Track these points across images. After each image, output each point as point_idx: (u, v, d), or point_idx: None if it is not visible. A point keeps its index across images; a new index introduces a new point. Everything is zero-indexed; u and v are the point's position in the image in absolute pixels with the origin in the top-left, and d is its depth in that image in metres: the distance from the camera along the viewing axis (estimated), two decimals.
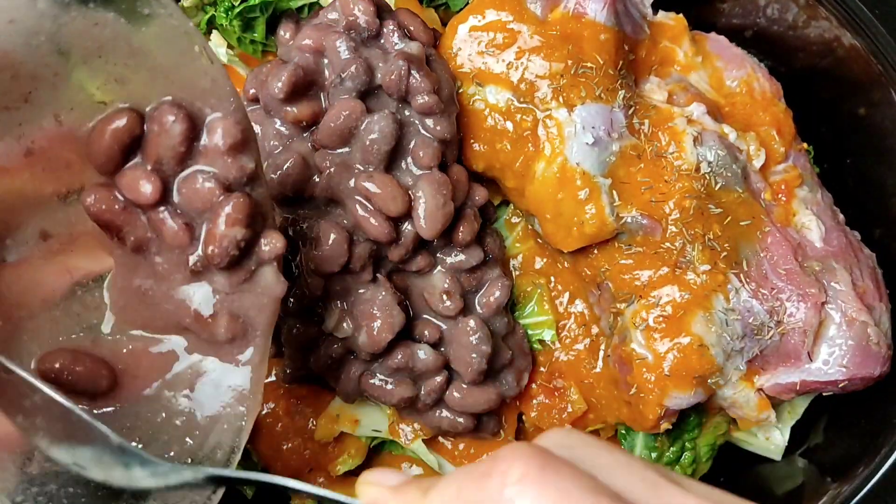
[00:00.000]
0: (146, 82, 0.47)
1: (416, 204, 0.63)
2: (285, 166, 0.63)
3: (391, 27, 0.66)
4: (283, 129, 0.66)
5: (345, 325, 0.65)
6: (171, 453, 0.50)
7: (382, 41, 0.66)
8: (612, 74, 0.69)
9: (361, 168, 0.64)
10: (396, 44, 0.65)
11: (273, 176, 0.63)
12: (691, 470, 0.76)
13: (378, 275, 0.65)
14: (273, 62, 0.68)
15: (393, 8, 0.70)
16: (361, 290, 0.65)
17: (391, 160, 0.64)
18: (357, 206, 0.63)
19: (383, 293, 0.64)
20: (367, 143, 0.62)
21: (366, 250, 0.64)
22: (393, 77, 0.63)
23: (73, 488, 0.46)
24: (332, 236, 0.63)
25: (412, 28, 0.69)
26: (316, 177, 0.65)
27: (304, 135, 0.66)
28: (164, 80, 0.47)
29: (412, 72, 0.63)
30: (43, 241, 0.49)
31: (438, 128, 0.64)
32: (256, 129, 0.67)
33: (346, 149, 0.64)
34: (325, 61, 0.66)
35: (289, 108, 0.64)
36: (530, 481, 0.34)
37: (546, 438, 0.40)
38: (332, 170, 0.64)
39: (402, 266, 0.67)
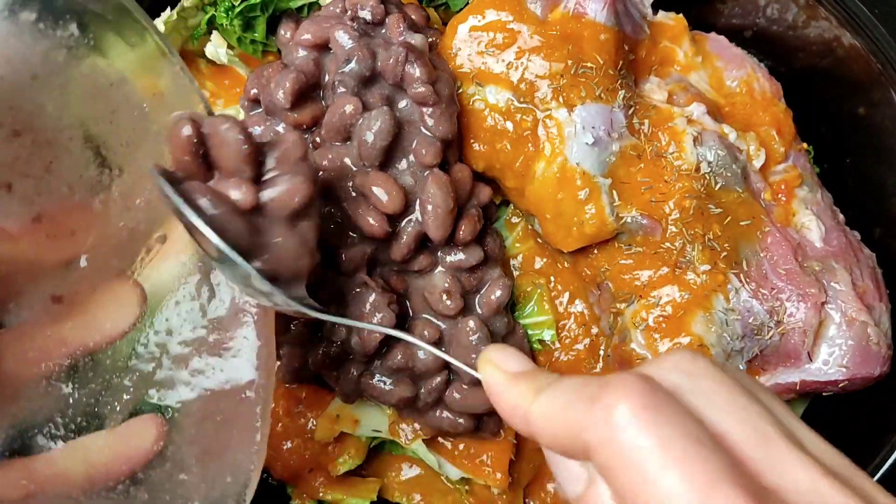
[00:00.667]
0: (154, 146, 0.48)
1: (424, 206, 0.63)
2: None
3: (396, 18, 0.66)
4: (282, 131, 0.66)
5: (341, 328, 0.65)
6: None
7: (386, 32, 0.67)
8: (612, 74, 0.69)
9: (358, 167, 0.64)
10: (402, 34, 0.66)
11: None
12: None
13: (367, 276, 0.65)
14: (274, 65, 0.68)
15: None
16: (355, 292, 0.65)
17: (389, 158, 0.64)
18: (352, 203, 0.63)
19: (373, 294, 0.64)
20: (364, 139, 0.62)
21: (359, 253, 0.64)
22: (390, 62, 0.63)
23: None
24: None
25: (417, 20, 0.69)
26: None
27: (305, 136, 0.67)
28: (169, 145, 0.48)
29: (410, 59, 0.63)
30: (54, 305, 0.48)
31: (440, 127, 0.64)
32: (257, 130, 0.67)
33: (346, 146, 0.64)
34: (327, 58, 0.67)
35: (290, 113, 0.65)
36: (635, 419, 0.34)
37: (667, 361, 0.39)
38: (330, 173, 0.64)
39: (404, 266, 0.67)
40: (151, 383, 0.50)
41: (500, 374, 0.42)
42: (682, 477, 0.32)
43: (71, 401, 0.48)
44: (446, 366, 0.68)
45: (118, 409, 0.49)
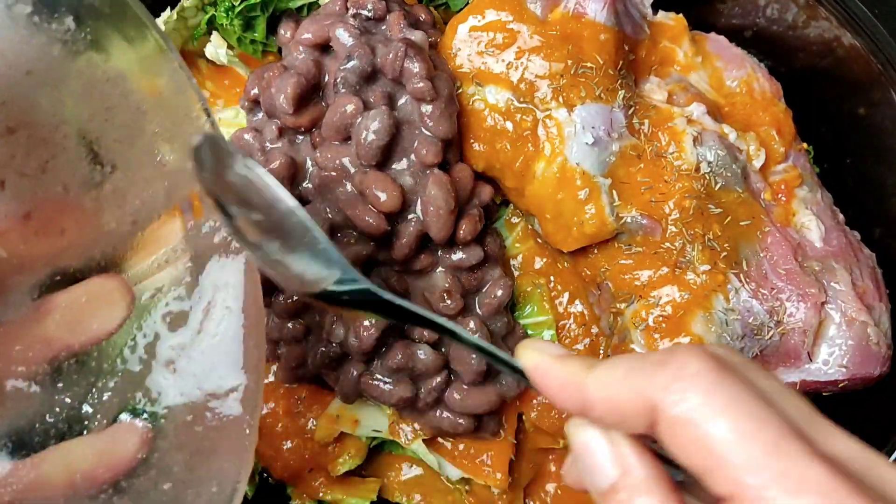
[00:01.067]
0: (149, 144, 0.47)
1: (426, 206, 0.64)
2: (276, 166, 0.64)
3: (397, 15, 0.66)
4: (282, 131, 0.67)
5: (338, 329, 0.65)
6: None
7: (386, 29, 0.67)
8: (612, 74, 0.69)
9: (356, 166, 0.64)
10: (402, 30, 0.66)
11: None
12: None
13: (363, 275, 0.65)
14: (275, 66, 0.68)
15: None
16: None
17: (388, 157, 0.64)
18: (350, 203, 0.63)
19: None
20: (362, 138, 0.62)
21: (353, 253, 0.64)
22: (390, 57, 0.63)
23: None
24: None
25: (425, 19, 0.69)
26: (312, 179, 0.65)
27: (304, 138, 0.67)
28: (164, 143, 0.47)
29: (410, 55, 0.63)
30: (39, 303, 0.46)
31: (440, 127, 0.64)
32: (249, 138, 0.67)
33: (345, 145, 0.64)
34: (327, 58, 0.67)
35: (291, 118, 0.65)
36: (705, 380, 0.35)
37: (713, 349, 0.40)
38: (329, 173, 0.64)
39: (404, 266, 0.67)
40: (138, 387, 0.48)
41: (545, 356, 0.42)
42: (753, 432, 0.34)
43: (54, 404, 0.46)
44: (446, 365, 0.67)
45: (103, 413, 0.48)
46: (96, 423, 0.47)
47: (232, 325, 0.49)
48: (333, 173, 0.64)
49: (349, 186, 0.64)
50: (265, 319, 0.51)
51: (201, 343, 0.49)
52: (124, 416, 0.48)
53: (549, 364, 0.42)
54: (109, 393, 0.48)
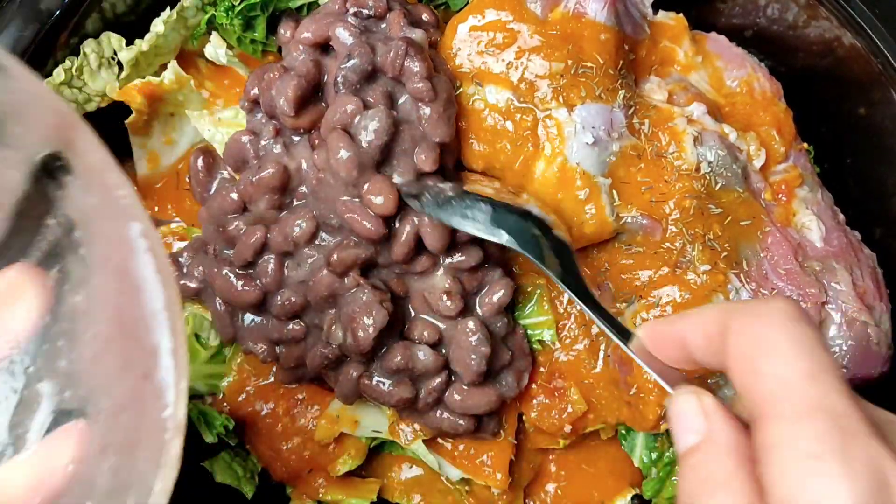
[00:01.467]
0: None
1: (421, 218, 0.64)
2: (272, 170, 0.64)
3: (398, 13, 0.66)
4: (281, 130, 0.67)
5: (338, 331, 0.65)
6: None
7: (386, 27, 0.67)
8: (612, 74, 0.69)
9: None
10: (402, 29, 0.66)
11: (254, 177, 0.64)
12: None
13: (360, 277, 0.65)
14: (275, 67, 0.68)
15: None
16: (350, 293, 0.65)
17: (386, 160, 0.64)
18: (347, 206, 0.63)
19: (366, 292, 0.64)
20: (360, 138, 0.62)
21: (350, 256, 0.64)
22: (390, 55, 0.63)
23: None
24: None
25: (424, 18, 0.69)
26: (309, 181, 0.65)
27: (301, 139, 0.67)
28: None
29: (410, 54, 0.63)
30: None
31: (438, 130, 0.64)
32: (246, 140, 0.67)
33: None
34: (327, 58, 0.67)
35: (291, 119, 0.65)
36: (780, 315, 0.39)
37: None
38: (323, 175, 0.64)
39: (405, 268, 0.67)
40: (68, 385, 0.40)
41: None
42: (809, 371, 0.36)
43: None
44: (446, 366, 0.67)
45: (36, 424, 0.39)
46: (33, 437, 0.39)
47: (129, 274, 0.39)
48: (326, 178, 0.64)
49: (346, 189, 0.63)
50: (168, 261, 0.42)
51: (105, 301, 0.40)
52: (58, 423, 0.39)
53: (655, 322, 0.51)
54: (40, 397, 0.40)
